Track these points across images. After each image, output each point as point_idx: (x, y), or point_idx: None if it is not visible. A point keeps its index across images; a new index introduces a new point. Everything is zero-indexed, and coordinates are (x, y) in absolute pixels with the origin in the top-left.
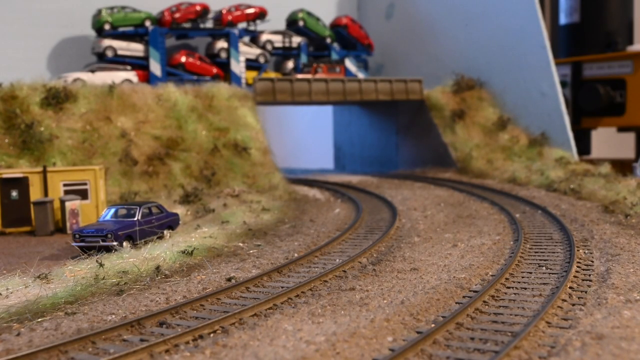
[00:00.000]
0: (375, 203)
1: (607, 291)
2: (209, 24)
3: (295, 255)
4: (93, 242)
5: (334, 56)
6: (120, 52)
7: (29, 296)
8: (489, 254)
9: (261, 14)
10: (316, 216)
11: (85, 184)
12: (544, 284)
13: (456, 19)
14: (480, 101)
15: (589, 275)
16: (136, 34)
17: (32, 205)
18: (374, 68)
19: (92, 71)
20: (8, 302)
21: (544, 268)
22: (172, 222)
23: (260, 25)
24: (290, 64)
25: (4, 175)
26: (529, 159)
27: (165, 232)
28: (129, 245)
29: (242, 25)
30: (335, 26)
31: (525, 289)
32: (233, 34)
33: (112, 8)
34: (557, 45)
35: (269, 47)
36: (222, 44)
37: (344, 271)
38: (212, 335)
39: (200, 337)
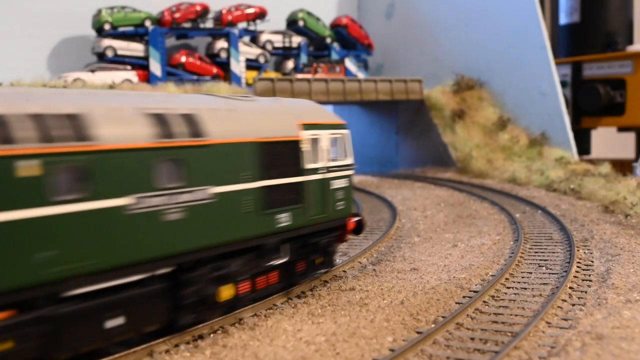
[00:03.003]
0: (375, 203)
1: (607, 291)
2: (209, 24)
3: None
4: None
5: (334, 56)
6: (120, 52)
7: None
8: (489, 254)
9: (261, 14)
10: None
11: None
12: (544, 284)
13: (456, 19)
14: (480, 101)
15: (589, 275)
16: (136, 33)
17: None
18: (374, 68)
19: (92, 71)
20: None
21: (544, 268)
22: None
23: (260, 25)
24: (290, 64)
25: None
26: (529, 159)
27: None
28: None
29: (242, 25)
30: (335, 26)
31: (525, 289)
32: (233, 34)
33: (112, 8)
34: (557, 45)
35: (269, 47)
36: (222, 43)
37: (344, 271)
38: (212, 335)
39: (200, 337)
